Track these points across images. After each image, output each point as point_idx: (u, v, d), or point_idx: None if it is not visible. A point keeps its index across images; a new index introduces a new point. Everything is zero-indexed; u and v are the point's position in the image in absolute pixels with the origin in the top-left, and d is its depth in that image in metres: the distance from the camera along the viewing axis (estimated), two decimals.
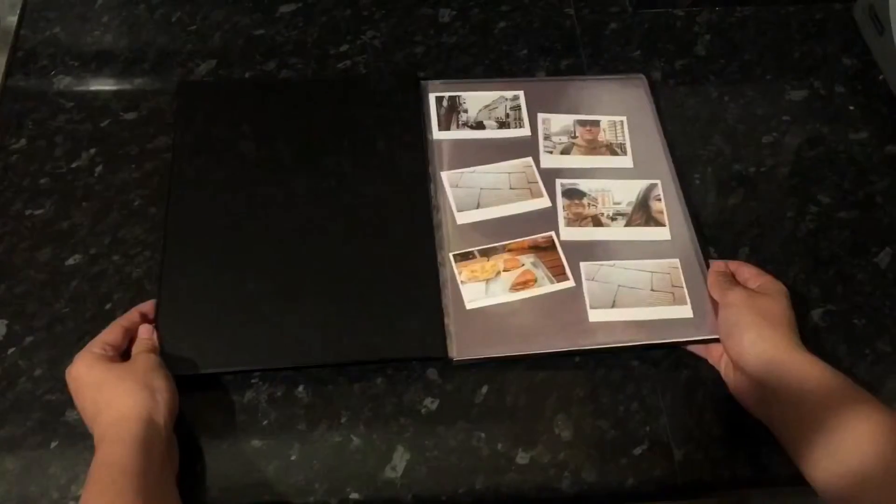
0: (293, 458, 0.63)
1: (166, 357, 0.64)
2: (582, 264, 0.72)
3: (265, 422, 0.65)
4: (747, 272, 0.69)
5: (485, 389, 0.67)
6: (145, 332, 0.66)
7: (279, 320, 0.67)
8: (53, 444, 0.63)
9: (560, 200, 0.76)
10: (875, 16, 0.87)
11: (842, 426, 0.56)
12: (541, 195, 0.76)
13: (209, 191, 0.74)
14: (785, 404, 0.59)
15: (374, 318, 0.68)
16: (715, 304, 0.68)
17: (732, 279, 0.69)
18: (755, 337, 0.62)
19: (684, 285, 0.71)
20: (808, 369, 0.59)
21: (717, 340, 0.67)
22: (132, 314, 0.67)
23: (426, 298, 0.69)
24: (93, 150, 0.78)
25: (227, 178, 0.75)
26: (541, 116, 0.81)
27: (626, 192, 0.77)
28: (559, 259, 0.72)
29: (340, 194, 0.74)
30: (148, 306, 0.68)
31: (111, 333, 0.64)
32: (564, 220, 0.74)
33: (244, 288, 0.69)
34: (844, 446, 0.55)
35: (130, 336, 0.65)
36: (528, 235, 0.73)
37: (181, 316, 0.67)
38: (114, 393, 0.59)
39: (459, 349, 0.67)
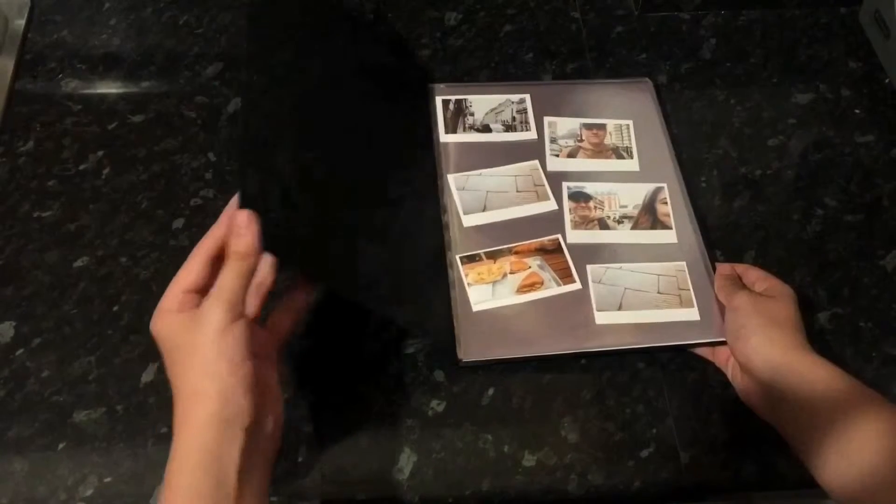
0: (300, 459, 0.63)
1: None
2: (588, 267, 0.72)
3: None
4: (754, 275, 0.69)
5: (491, 391, 0.67)
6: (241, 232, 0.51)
7: None
8: (61, 446, 0.63)
9: (566, 203, 0.76)
10: (881, 20, 0.87)
11: (852, 427, 0.56)
12: (547, 198, 0.76)
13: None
14: (794, 407, 0.59)
15: (387, 297, 0.66)
16: (722, 307, 0.68)
17: (739, 282, 0.69)
18: (763, 340, 0.62)
19: (691, 288, 0.71)
20: (817, 371, 0.59)
21: (723, 343, 0.67)
22: (216, 231, 0.53)
23: (436, 294, 0.69)
24: (100, 153, 0.79)
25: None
26: (547, 120, 0.81)
27: (632, 195, 0.77)
28: (566, 261, 0.72)
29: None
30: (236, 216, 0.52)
31: (189, 273, 0.52)
32: (571, 223, 0.75)
33: None
34: (855, 447, 0.55)
35: (216, 267, 0.52)
36: (535, 238, 0.73)
37: None
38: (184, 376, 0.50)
39: (466, 351, 0.67)
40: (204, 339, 0.49)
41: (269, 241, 0.53)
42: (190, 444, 0.48)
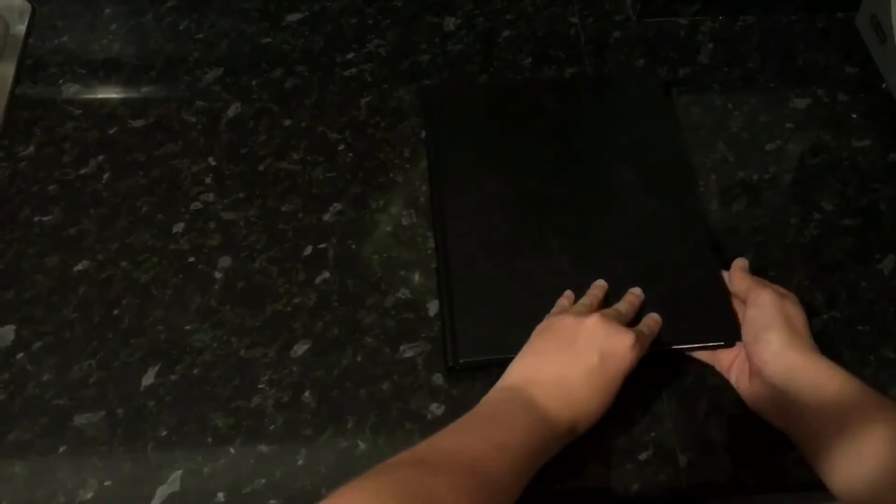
0: (300, 462, 0.63)
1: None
2: None
3: (272, 427, 0.65)
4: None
5: None
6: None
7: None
8: (61, 449, 0.63)
9: None
10: (877, 25, 0.88)
11: (862, 432, 0.55)
12: None
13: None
14: (805, 411, 0.59)
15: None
16: (724, 309, 0.68)
17: (758, 277, 0.67)
18: (784, 344, 0.61)
19: None
20: (830, 375, 0.59)
21: (723, 347, 0.67)
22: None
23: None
24: (101, 157, 0.79)
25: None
26: None
27: None
28: None
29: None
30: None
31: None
32: None
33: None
34: (865, 452, 0.55)
35: None
36: None
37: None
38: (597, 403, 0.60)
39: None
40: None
41: None
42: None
